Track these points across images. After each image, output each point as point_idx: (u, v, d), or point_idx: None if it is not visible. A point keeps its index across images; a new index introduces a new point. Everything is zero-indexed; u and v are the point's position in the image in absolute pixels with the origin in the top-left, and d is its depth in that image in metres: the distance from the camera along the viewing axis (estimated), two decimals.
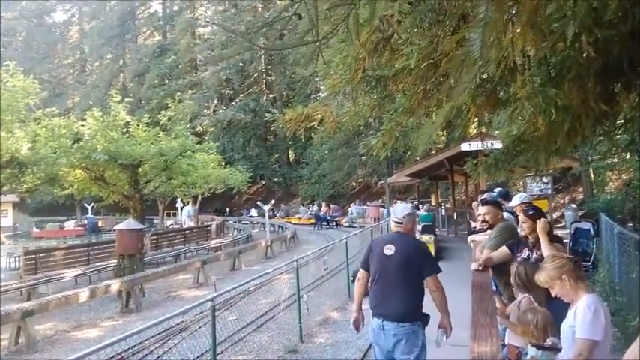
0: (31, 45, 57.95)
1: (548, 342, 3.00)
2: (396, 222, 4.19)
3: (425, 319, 4.01)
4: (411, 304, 3.95)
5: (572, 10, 1.72)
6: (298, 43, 1.54)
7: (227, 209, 40.05)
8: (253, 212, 37.27)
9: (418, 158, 20.19)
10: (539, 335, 2.95)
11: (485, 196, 8.46)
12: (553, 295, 2.86)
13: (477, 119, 4.44)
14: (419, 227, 15.75)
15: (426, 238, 14.10)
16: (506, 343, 3.56)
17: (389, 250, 4.01)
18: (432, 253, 13.59)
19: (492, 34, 1.52)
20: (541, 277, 2.88)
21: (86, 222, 32.95)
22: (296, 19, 1.56)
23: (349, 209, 31.22)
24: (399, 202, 4.89)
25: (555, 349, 2.94)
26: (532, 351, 2.91)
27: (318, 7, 1.52)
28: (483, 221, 5.47)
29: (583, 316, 2.63)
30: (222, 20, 40.01)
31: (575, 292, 2.75)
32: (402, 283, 3.95)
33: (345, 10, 1.62)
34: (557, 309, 3.25)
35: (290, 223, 30.59)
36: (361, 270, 4.33)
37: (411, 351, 3.89)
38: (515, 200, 6.42)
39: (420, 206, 20.28)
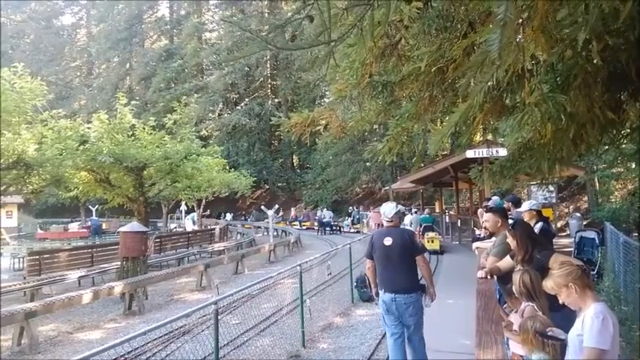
0: (38, 47, 58.38)
1: (550, 332, 2.98)
2: (387, 220, 5.29)
3: (423, 288, 5.18)
4: (413, 279, 5.11)
5: (583, 16, 1.72)
6: (312, 44, 1.55)
7: (207, 212, 36.87)
8: (228, 217, 37.49)
9: (422, 165, 20.20)
10: (537, 343, 2.93)
11: (489, 203, 8.46)
12: (560, 302, 2.84)
13: (482, 126, 4.44)
14: (421, 228, 18.23)
15: (432, 234, 17.00)
16: (510, 351, 3.54)
17: (388, 241, 5.09)
18: (438, 247, 16.14)
19: (509, 35, 1.53)
20: (548, 284, 2.86)
21: (90, 224, 33.03)
22: (307, 22, 1.57)
23: (321, 213, 32.54)
24: (384, 204, 5.42)
25: (558, 339, 2.93)
26: (535, 356, 2.89)
27: (332, 8, 1.52)
28: (485, 228, 5.50)
29: (591, 324, 2.61)
30: (229, 25, 40.17)
31: (583, 301, 2.73)
32: (403, 263, 5.05)
33: (360, 11, 1.62)
34: (560, 319, 3.24)
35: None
36: (368, 260, 5.37)
37: (417, 313, 5.04)
38: (525, 206, 6.42)
39: (416, 210, 22.09)
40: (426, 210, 21.22)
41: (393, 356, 5.19)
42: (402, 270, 5.03)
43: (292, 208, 35.21)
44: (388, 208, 5.30)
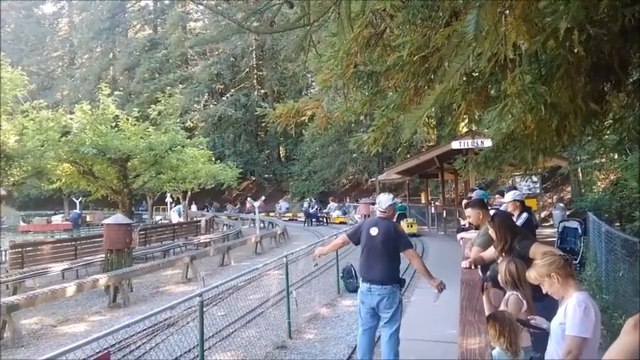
0: (19, 37, 57.18)
1: (533, 321, 3.03)
2: (381, 211, 5.23)
3: (402, 282, 5.18)
4: (390, 271, 5.03)
5: (565, 4, 1.72)
6: (289, 27, 1.52)
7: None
8: (194, 207, 37.24)
9: (408, 156, 20.38)
10: (492, 335, 2.96)
11: (473, 195, 8.51)
12: (544, 291, 2.87)
13: (467, 116, 4.46)
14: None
15: (410, 220, 19.56)
16: None
17: (374, 231, 5.09)
18: (416, 230, 18.41)
19: (488, 21, 1.52)
20: (531, 274, 2.89)
21: (70, 216, 32.63)
22: (286, 9, 1.54)
23: (277, 204, 33.79)
24: (382, 194, 5.43)
25: (540, 328, 2.97)
26: (495, 351, 2.93)
27: None
28: (470, 223, 5.59)
29: (573, 313, 2.64)
30: (214, 14, 39.72)
31: (565, 290, 2.76)
32: (384, 255, 5.02)
33: None
34: (542, 309, 3.27)
35: None
36: (345, 235, 5.60)
37: (391, 306, 4.98)
38: (508, 197, 6.48)
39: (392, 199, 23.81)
40: (399, 199, 22.91)
41: (359, 348, 5.29)
42: (380, 261, 5.01)
43: (247, 201, 35.86)
44: (385, 199, 5.25)
